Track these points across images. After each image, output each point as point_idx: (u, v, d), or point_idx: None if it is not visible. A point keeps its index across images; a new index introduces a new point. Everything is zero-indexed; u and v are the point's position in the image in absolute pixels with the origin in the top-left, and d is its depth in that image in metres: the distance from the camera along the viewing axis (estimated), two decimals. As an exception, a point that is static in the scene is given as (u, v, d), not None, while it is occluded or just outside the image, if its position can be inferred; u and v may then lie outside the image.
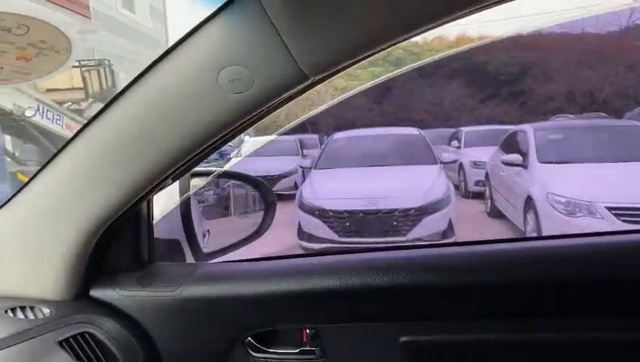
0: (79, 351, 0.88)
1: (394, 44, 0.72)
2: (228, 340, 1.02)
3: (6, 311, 0.90)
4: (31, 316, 0.91)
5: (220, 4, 0.73)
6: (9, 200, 0.94)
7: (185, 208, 1.41)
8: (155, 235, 1.09)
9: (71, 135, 0.87)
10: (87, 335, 0.91)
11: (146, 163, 0.83)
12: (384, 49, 0.73)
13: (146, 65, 0.79)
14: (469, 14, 0.69)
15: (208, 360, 1.03)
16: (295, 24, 0.68)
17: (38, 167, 0.91)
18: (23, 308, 0.92)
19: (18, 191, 0.93)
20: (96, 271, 0.99)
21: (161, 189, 0.96)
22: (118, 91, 0.81)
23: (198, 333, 1.00)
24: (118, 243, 1.01)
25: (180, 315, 0.99)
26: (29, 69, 7.08)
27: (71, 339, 0.88)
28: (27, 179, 0.93)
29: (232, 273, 1.03)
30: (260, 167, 9.60)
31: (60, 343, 0.87)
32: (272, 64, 0.72)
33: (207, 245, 1.50)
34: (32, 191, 0.91)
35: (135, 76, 0.80)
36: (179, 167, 0.86)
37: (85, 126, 0.85)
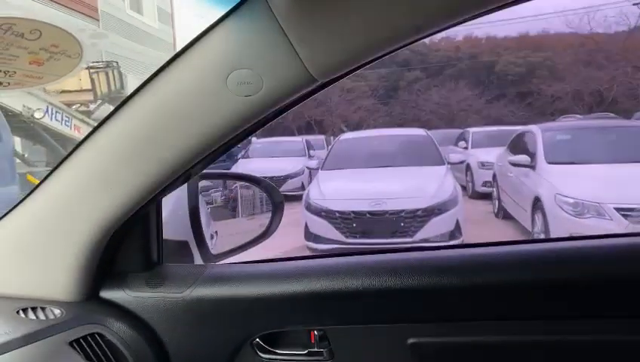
0: (90, 352, 0.88)
1: (401, 47, 0.72)
2: (236, 341, 1.02)
3: (17, 312, 0.91)
4: (42, 317, 0.91)
5: (228, 8, 0.73)
6: (21, 201, 0.95)
7: (193, 210, 1.41)
8: (164, 236, 1.10)
9: (80, 136, 0.88)
10: (97, 336, 0.91)
11: (156, 165, 0.84)
12: (392, 52, 0.73)
13: (156, 69, 0.79)
14: (479, 16, 0.69)
15: (216, 361, 1.03)
16: (303, 27, 0.68)
17: (48, 168, 0.92)
18: (34, 309, 0.92)
19: (30, 193, 0.94)
20: (106, 273, 1.00)
21: (171, 191, 0.96)
22: (128, 94, 0.82)
23: (206, 334, 1.01)
24: (128, 245, 1.02)
25: (189, 316, 1.00)
26: (41, 73, 7.15)
27: (81, 340, 0.89)
28: (37, 181, 0.94)
29: (241, 274, 1.03)
30: (267, 168, 9.63)
31: (71, 344, 0.87)
32: (280, 67, 0.72)
33: (215, 246, 1.51)
34: (44, 192, 0.92)
35: (145, 79, 0.80)
36: (188, 168, 0.87)
37: (97, 128, 0.86)
